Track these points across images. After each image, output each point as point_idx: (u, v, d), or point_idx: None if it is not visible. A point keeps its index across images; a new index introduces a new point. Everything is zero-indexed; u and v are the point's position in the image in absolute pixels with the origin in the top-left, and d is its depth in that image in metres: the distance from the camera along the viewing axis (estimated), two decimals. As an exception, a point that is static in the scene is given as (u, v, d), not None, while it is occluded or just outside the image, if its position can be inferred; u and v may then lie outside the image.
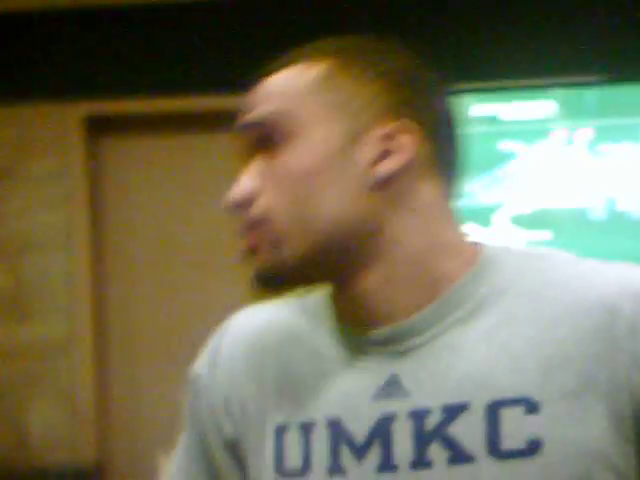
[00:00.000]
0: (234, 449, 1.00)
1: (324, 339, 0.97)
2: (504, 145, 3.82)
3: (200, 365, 1.04)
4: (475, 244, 0.96)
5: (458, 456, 0.87)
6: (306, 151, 0.91)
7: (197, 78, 3.85)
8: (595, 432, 0.86)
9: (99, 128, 3.92)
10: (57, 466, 3.81)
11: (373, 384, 0.92)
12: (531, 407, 0.87)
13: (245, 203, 0.93)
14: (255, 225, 0.93)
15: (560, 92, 3.82)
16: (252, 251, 0.94)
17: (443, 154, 0.95)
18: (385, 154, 0.91)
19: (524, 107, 3.85)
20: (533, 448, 0.86)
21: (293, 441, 0.94)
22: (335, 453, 0.91)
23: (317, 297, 1.00)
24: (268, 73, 0.95)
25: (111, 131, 3.94)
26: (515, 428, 0.87)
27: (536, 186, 3.83)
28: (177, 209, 3.96)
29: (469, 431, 0.88)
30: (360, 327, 0.94)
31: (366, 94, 0.92)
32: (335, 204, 0.90)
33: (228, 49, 3.83)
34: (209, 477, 1.04)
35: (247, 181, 0.93)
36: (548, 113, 3.83)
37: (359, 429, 0.91)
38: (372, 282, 0.92)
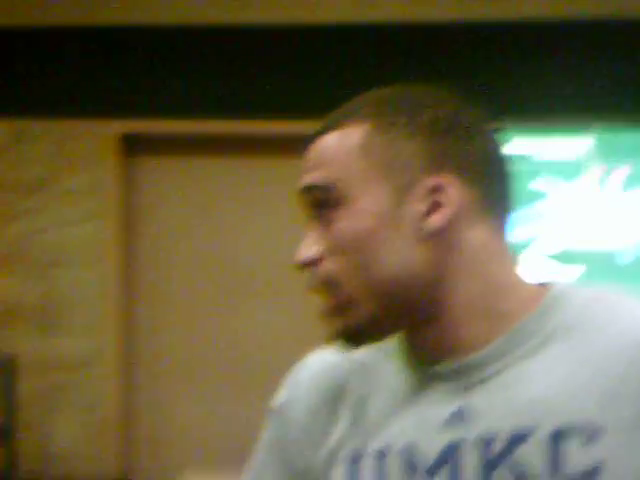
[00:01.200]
0: (308, 476, 1.05)
1: (396, 374, 1.02)
2: (539, 182, 3.82)
3: (279, 397, 1.10)
4: (539, 283, 1.01)
5: (523, 479, 0.92)
6: (359, 216, 0.96)
7: (231, 102, 3.84)
8: None
9: (134, 146, 3.92)
10: (80, 479, 3.87)
11: (444, 412, 0.96)
12: (594, 434, 0.91)
13: (311, 265, 0.99)
14: (324, 287, 0.98)
15: (597, 132, 3.81)
16: (328, 312, 0.99)
17: (491, 194, 0.99)
18: (433, 207, 0.96)
19: (560, 145, 3.84)
20: (594, 474, 0.90)
21: (368, 467, 0.99)
22: (408, 476, 0.96)
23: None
24: (317, 134, 1.00)
25: (145, 150, 3.95)
26: (578, 453, 0.91)
27: (567, 225, 3.83)
28: (207, 231, 3.97)
29: (533, 455, 0.92)
30: (429, 361, 0.99)
31: (407, 152, 0.97)
32: (395, 262, 0.96)
33: (264, 74, 3.81)
34: None
35: (310, 246, 0.99)
36: (584, 152, 3.83)
37: (430, 453, 0.96)
38: (438, 324, 0.98)
